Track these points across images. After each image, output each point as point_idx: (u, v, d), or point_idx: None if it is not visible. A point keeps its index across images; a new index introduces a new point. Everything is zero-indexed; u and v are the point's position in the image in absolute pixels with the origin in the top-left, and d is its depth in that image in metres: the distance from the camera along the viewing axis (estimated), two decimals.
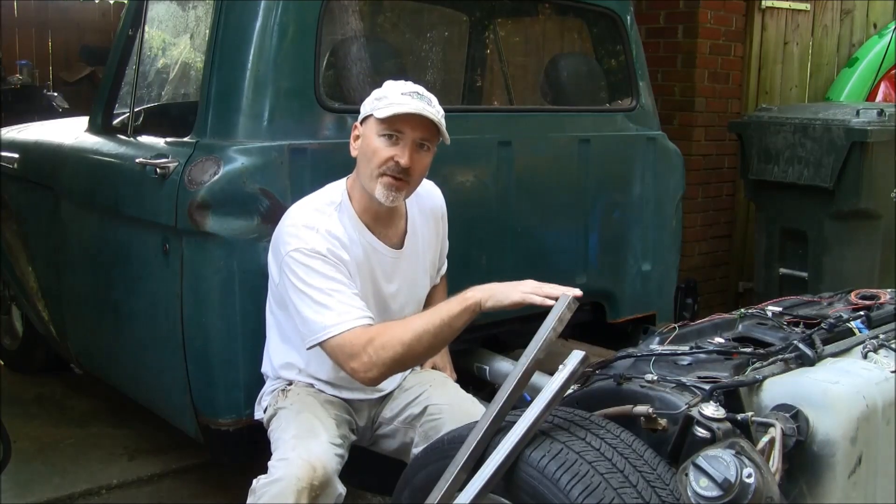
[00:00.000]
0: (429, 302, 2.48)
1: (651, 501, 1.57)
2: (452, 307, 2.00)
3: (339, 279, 2.07)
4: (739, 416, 1.68)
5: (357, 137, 2.20)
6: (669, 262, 3.57)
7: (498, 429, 1.75)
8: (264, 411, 2.28)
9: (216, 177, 2.37)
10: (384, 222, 2.25)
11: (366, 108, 2.17)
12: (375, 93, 2.18)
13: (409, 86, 2.16)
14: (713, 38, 4.88)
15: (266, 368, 2.35)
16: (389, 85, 2.17)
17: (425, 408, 2.27)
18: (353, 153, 2.21)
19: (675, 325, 2.08)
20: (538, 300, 1.91)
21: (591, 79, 3.44)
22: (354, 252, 2.17)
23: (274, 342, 2.31)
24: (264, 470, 2.02)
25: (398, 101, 2.10)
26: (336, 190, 2.23)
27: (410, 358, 2.02)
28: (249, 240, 2.37)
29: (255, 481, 2.01)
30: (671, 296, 3.63)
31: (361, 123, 2.19)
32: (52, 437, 3.46)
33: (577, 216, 3.20)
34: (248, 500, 2.01)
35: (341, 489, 2.05)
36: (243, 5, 2.49)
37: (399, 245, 2.29)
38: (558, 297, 1.86)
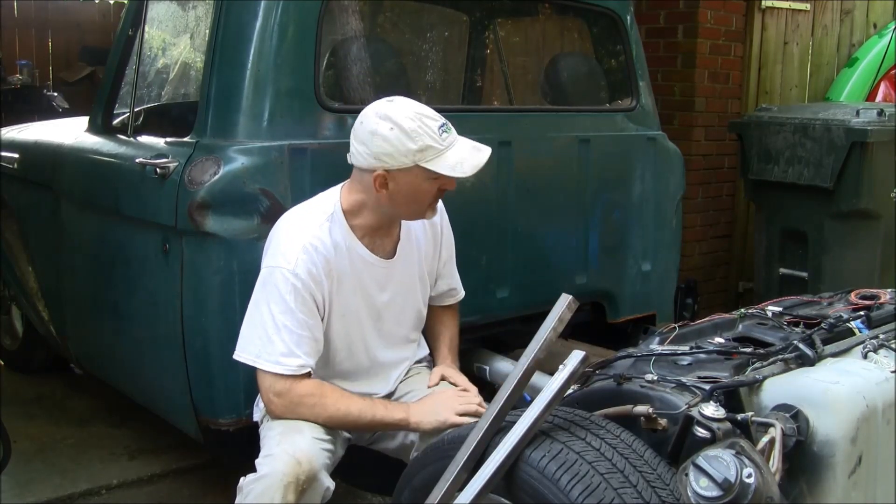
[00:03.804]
0: (435, 329, 2.49)
1: (651, 501, 1.57)
2: (390, 414, 2.15)
3: (299, 317, 2.08)
4: (739, 416, 1.68)
5: (385, 185, 2.10)
6: (669, 262, 3.57)
7: (498, 429, 1.75)
8: (262, 413, 2.28)
9: (216, 177, 2.37)
10: (381, 233, 2.24)
11: (399, 158, 2.05)
12: (404, 139, 2.04)
13: (433, 119, 2.08)
14: (713, 38, 4.88)
15: None
16: (419, 126, 2.05)
17: None
18: (382, 199, 2.13)
19: (675, 325, 2.09)
20: (464, 420, 2.09)
21: (591, 79, 3.44)
22: (340, 264, 2.16)
23: None
24: (255, 470, 2.03)
25: (444, 144, 2.06)
26: (329, 201, 2.21)
27: (321, 424, 2.12)
28: (249, 240, 2.37)
29: (242, 479, 2.01)
30: (671, 296, 3.63)
31: (390, 171, 2.08)
32: (52, 437, 3.46)
33: (577, 216, 3.19)
34: (237, 499, 2.01)
35: (329, 483, 2.05)
36: (243, 5, 2.49)
37: (391, 254, 2.28)
38: (477, 411, 2.11)
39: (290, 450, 2.00)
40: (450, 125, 2.12)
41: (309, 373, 2.12)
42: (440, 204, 2.36)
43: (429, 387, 2.33)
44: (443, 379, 2.35)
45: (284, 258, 2.10)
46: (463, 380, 2.34)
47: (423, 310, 2.43)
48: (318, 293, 2.13)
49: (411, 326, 2.40)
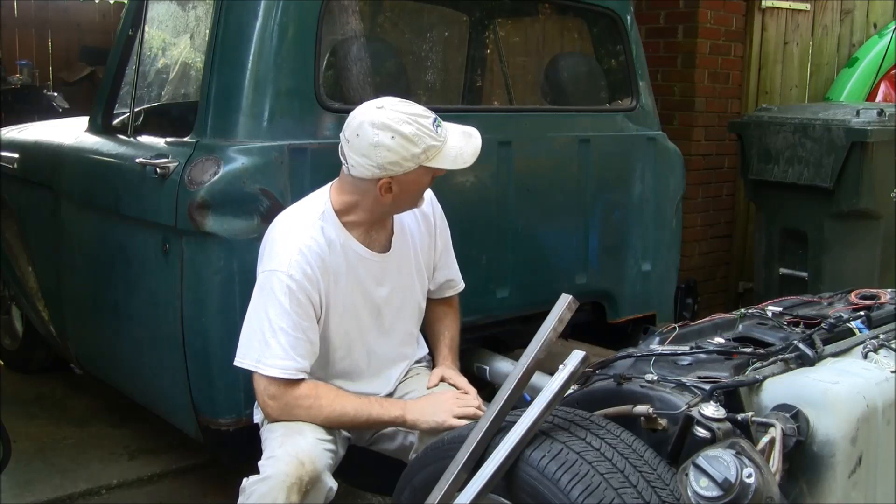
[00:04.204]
0: (435, 328, 2.48)
1: (651, 501, 1.57)
2: (387, 411, 2.15)
3: (294, 319, 2.08)
4: (739, 416, 1.68)
5: (390, 189, 2.11)
6: (669, 262, 3.57)
7: (498, 429, 1.75)
8: (262, 414, 2.28)
9: (216, 177, 2.37)
10: (376, 227, 2.25)
11: (405, 164, 2.06)
12: (408, 146, 2.04)
13: (425, 116, 2.09)
14: (713, 38, 4.88)
15: None
16: (418, 128, 2.05)
17: None
18: (384, 202, 2.13)
19: (675, 325, 2.09)
20: (462, 423, 2.07)
21: (591, 79, 3.44)
22: (336, 261, 2.16)
23: None
24: (258, 471, 2.03)
25: (442, 139, 2.08)
26: (319, 200, 2.22)
27: (318, 424, 2.12)
28: (249, 240, 2.37)
29: (244, 480, 2.01)
30: (671, 296, 3.63)
31: (395, 177, 2.09)
32: (52, 437, 3.46)
33: (577, 216, 3.20)
34: (240, 500, 2.01)
35: (332, 484, 2.06)
36: (243, 5, 2.49)
37: (386, 248, 2.28)
38: (475, 414, 2.09)
39: (292, 451, 2.00)
40: (437, 116, 2.12)
41: (304, 376, 2.12)
42: (431, 195, 2.38)
43: (428, 388, 2.33)
44: (442, 380, 2.35)
45: (279, 261, 2.10)
46: (463, 381, 2.34)
47: (423, 303, 2.43)
48: (315, 292, 2.13)
49: (412, 321, 2.41)
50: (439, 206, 2.44)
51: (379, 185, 2.10)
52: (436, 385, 2.33)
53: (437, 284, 2.48)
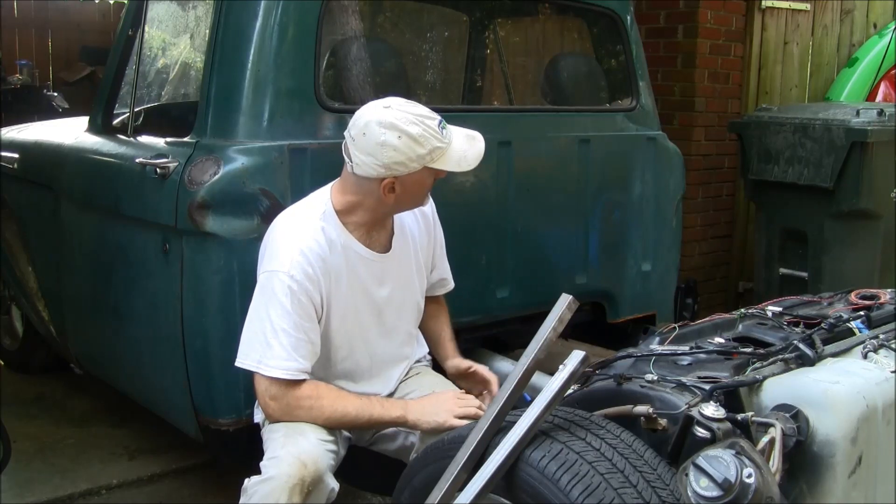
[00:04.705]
0: (432, 327, 2.50)
1: (651, 501, 1.57)
2: (388, 411, 2.15)
3: (295, 320, 2.08)
4: (739, 416, 1.68)
5: (394, 189, 2.11)
6: (669, 262, 3.57)
7: (498, 429, 1.75)
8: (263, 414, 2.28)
9: (216, 177, 2.37)
10: (377, 227, 2.25)
11: (410, 165, 2.06)
12: (414, 146, 2.04)
13: (431, 118, 2.09)
14: (713, 38, 4.88)
15: None
16: (424, 129, 2.05)
17: None
18: (387, 202, 2.14)
19: (675, 325, 2.09)
20: (463, 423, 2.07)
21: (591, 79, 3.44)
22: (336, 262, 2.16)
23: None
24: (259, 471, 2.03)
25: (447, 141, 2.09)
26: (320, 199, 2.21)
27: (320, 425, 2.12)
28: (249, 240, 2.37)
29: (246, 481, 2.02)
30: (671, 296, 3.63)
31: (399, 177, 2.09)
32: (52, 437, 3.46)
33: (577, 216, 3.20)
34: (241, 501, 2.01)
35: (334, 485, 2.06)
36: (243, 5, 2.50)
37: (387, 248, 2.28)
38: (476, 414, 2.08)
39: (294, 452, 2.00)
40: (442, 118, 2.12)
41: (305, 376, 2.12)
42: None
43: (462, 370, 2.39)
44: (468, 368, 2.40)
45: (280, 262, 2.10)
46: (484, 369, 2.41)
47: (422, 302, 2.44)
48: (316, 293, 2.13)
49: (412, 320, 2.41)
50: (434, 206, 2.44)
51: (382, 185, 2.10)
52: (468, 368, 2.39)
53: (431, 283, 2.48)
